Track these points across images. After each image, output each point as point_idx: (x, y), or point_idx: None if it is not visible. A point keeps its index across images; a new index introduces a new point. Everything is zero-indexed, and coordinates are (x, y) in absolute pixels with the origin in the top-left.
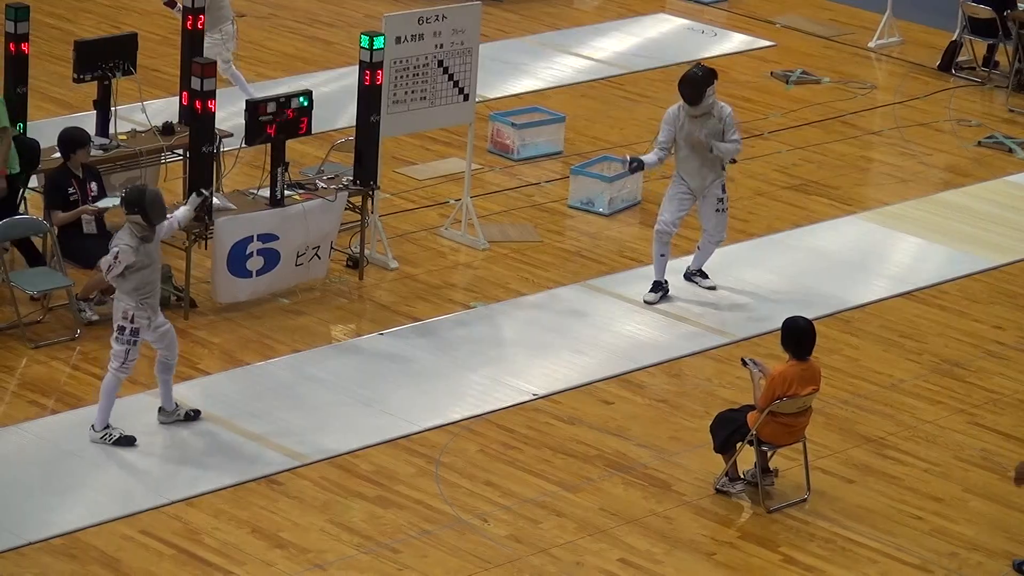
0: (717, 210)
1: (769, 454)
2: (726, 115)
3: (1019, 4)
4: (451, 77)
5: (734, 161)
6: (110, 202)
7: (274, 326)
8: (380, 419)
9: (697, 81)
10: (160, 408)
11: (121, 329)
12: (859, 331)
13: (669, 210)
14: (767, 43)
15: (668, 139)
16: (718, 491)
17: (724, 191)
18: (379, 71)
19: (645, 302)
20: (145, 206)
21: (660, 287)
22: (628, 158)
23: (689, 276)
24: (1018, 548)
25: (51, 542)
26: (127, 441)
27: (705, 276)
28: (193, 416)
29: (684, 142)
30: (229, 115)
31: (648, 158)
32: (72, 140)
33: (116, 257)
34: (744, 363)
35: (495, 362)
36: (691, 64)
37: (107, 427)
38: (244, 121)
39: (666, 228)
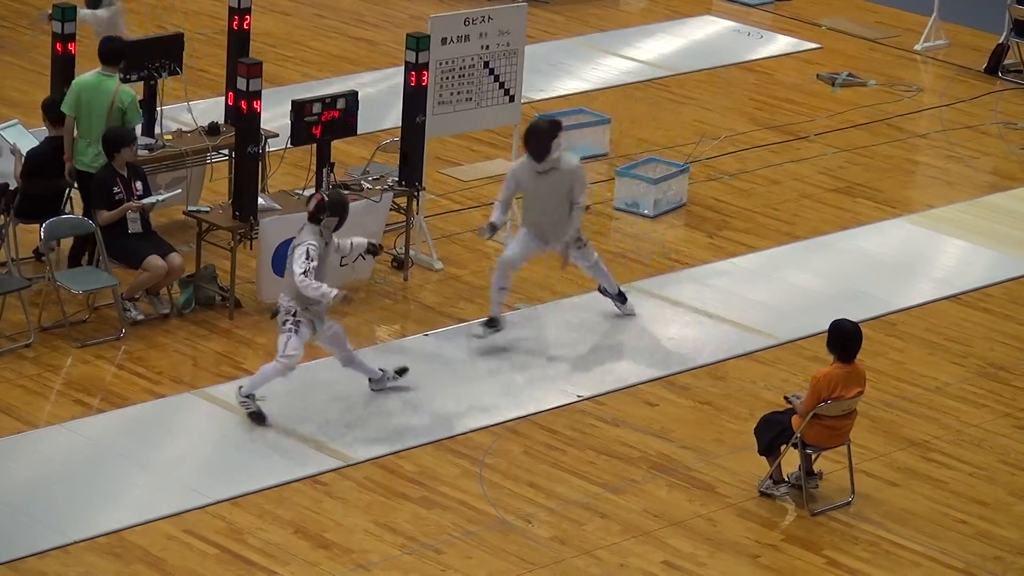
0: (579, 247)
1: (813, 457)
2: (574, 167)
3: None
4: (497, 78)
5: (587, 208)
6: (154, 199)
7: None
8: (424, 420)
9: (541, 133)
10: (369, 380)
11: (284, 321)
12: (904, 334)
13: (514, 247)
14: (813, 45)
15: (510, 195)
16: (762, 494)
17: (580, 234)
18: (425, 72)
19: (474, 336)
20: (345, 217)
21: (495, 323)
22: (485, 227)
23: (604, 293)
24: None
25: (96, 541)
26: (258, 418)
27: (623, 301)
28: (403, 373)
29: (528, 197)
30: (275, 115)
31: (495, 219)
32: (117, 139)
33: (308, 255)
34: (787, 400)
35: (539, 363)
36: (736, 66)
37: (250, 396)
38: (290, 121)
39: (511, 261)
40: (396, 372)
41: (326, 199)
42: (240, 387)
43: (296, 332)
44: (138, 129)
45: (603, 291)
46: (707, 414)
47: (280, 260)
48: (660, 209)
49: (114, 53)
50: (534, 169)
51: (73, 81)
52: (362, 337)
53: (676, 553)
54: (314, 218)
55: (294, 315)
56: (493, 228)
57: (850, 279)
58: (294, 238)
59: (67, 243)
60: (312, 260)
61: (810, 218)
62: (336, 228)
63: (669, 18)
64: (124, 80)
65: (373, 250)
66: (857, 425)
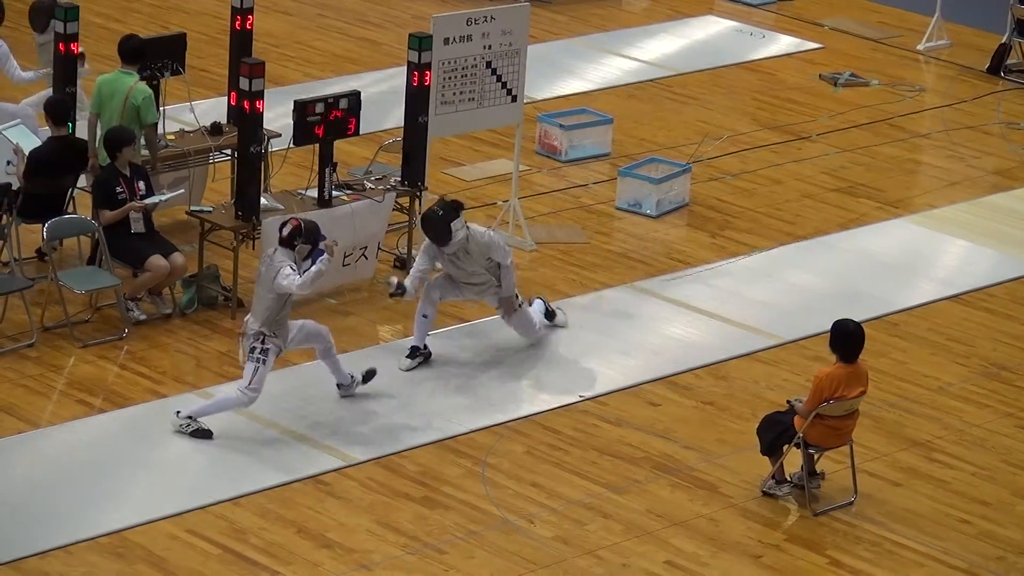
0: (515, 309)
1: (816, 457)
2: (486, 243)
3: None
4: (499, 78)
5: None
6: (157, 199)
7: None
8: (426, 420)
9: (435, 221)
10: (337, 385)
11: (252, 349)
12: (907, 334)
13: (437, 287)
14: (815, 45)
15: (424, 271)
16: (765, 493)
17: (518, 296)
18: (427, 72)
19: (400, 369)
20: (319, 238)
21: (418, 352)
22: (394, 281)
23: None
24: None
25: (98, 541)
26: (203, 434)
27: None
28: (369, 376)
29: (455, 278)
30: (277, 115)
31: (407, 284)
32: (118, 139)
33: (292, 268)
34: (790, 404)
35: (542, 363)
36: (738, 66)
37: (190, 418)
38: (292, 121)
39: (435, 293)
40: (364, 375)
41: (303, 225)
42: (178, 412)
43: (264, 363)
44: (159, 126)
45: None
46: (709, 414)
47: None
48: (662, 209)
49: (133, 51)
50: (443, 251)
51: (97, 79)
52: (364, 337)
53: (678, 553)
54: (287, 243)
55: (262, 342)
56: (402, 291)
57: (852, 279)
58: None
59: (70, 243)
60: (295, 271)
61: (812, 218)
62: (307, 257)
63: (671, 18)
64: None
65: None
66: (859, 425)
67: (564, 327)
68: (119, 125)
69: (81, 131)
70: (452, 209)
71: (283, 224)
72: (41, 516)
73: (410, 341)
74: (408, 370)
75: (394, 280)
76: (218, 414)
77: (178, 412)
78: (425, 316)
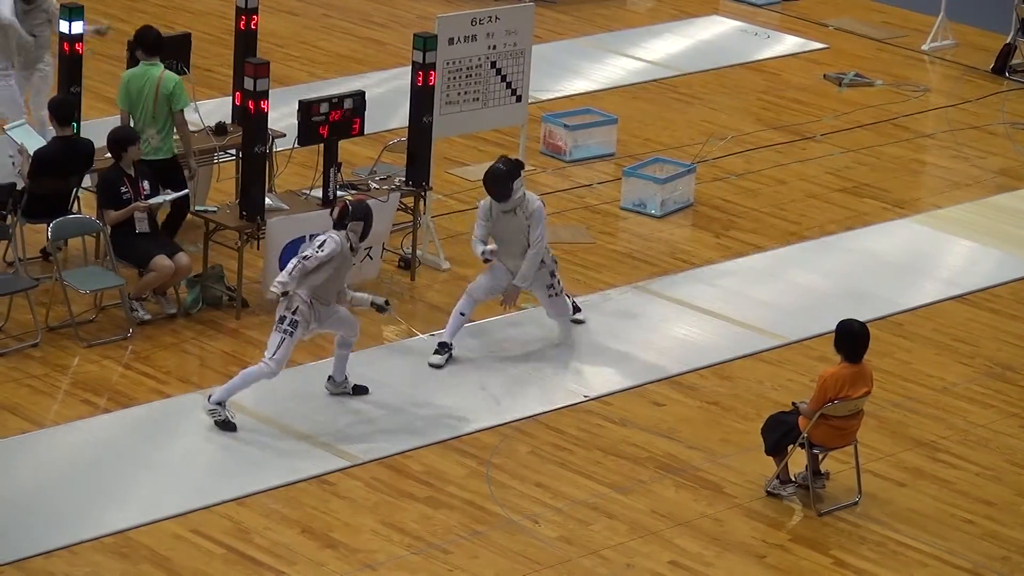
0: (549, 296)
1: (820, 457)
2: (533, 210)
3: None
4: (504, 78)
5: (556, 262)
6: (161, 199)
7: None
8: (431, 420)
9: (501, 176)
10: (330, 376)
11: (282, 319)
12: (911, 334)
13: (482, 280)
14: (820, 45)
15: (484, 234)
16: (769, 494)
17: (553, 276)
18: (432, 72)
19: (431, 365)
20: (370, 223)
21: (447, 348)
22: (487, 251)
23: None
24: None
25: (103, 540)
26: (228, 426)
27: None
28: (361, 391)
29: (497, 238)
30: (282, 115)
31: (480, 250)
32: (122, 139)
33: (322, 245)
34: (795, 406)
35: (546, 363)
36: (743, 66)
37: (220, 404)
38: (297, 121)
39: (477, 295)
40: (355, 387)
41: (349, 205)
42: (209, 395)
43: (291, 335)
44: (188, 111)
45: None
46: (714, 414)
47: (288, 260)
48: (667, 209)
49: (155, 42)
50: (500, 209)
51: (122, 76)
52: (369, 337)
53: (683, 553)
54: (339, 224)
55: (294, 312)
56: (491, 252)
57: (857, 279)
58: (306, 238)
59: (75, 243)
60: (322, 251)
61: (817, 218)
62: (363, 236)
63: (676, 18)
64: None
65: (379, 307)
66: (864, 425)
67: (584, 322)
68: (124, 126)
69: (86, 131)
70: (516, 167)
71: (332, 208)
72: (45, 516)
73: (442, 335)
74: (439, 366)
75: (485, 253)
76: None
77: (209, 396)
78: (463, 315)
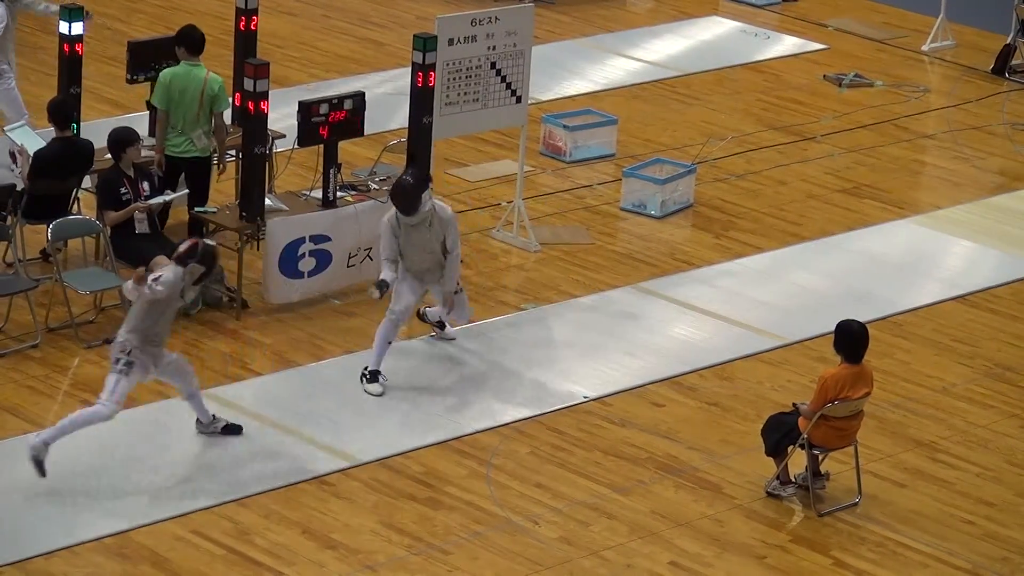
0: (456, 292)
1: (820, 458)
2: (448, 217)
3: None
4: (503, 79)
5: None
6: (161, 199)
7: (326, 327)
8: (431, 421)
9: (408, 189)
10: (197, 420)
11: (117, 360)
12: (911, 335)
13: (403, 300)
14: (820, 46)
15: (394, 252)
16: (769, 494)
17: (458, 282)
18: (431, 73)
19: (368, 394)
20: (211, 271)
21: (379, 375)
22: (376, 292)
23: (424, 319)
24: None
25: (103, 541)
26: (40, 467)
27: (443, 327)
28: (234, 431)
29: (404, 247)
30: (282, 116)
31: (386, 276)
32: (121, 140)
33: (158, 280)
34: (795, 407)
35: (546, 364)
36: (743, 67)
37: (46, 444)
38: (297, 122)
39: (403, 314)
40: (227, 426)
41: (200, 245)
42: (37, 434)
43: (127, 375)
44: (227, 114)
45: (423, 316)
46: (714, 415)
47: (287, 261)
48: (667, 210)
49: (200, 42)
50: (405, 223)
51: (160, 75)
52: (368, 338)
53: (683, 554)
54: (181, 260)
55: (128, 353)
56: (385, 285)
57: (857, 280)
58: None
59: (75, 244)
60: (160, 287)
61: (817, 219)
62: (198, 280)
63: (676, 19)
64: (131, 81)
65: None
66: (864, 426)
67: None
68: (123, 126)
69: (86, 132)
70: (423, 179)
71: (181, 241)
72: (46, 517)
73: (370, 357)
74: (380, 394)
75: (375, 291)
76: (82, 429)
77: (37, 434)
78: (390, 343)
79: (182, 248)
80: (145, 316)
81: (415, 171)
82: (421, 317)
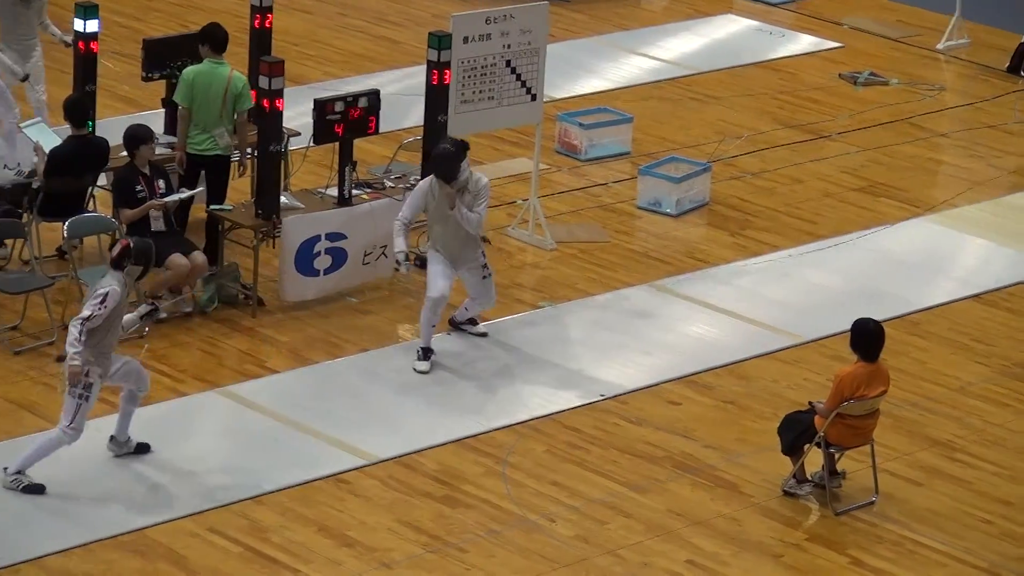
0: (483, 277)
1: (837, 456)
2: (483, 186)
3: None
4: (519, 77)
5: (486, 240)
6: (176, 198)
7: (341, 325)
8: (447, 419)
9: (449, 156)
10: (112, 437)
11: (74, 384)
12: (927, 333)
13: (437, 284)
14: (835, 44)
15: (412, 216)
16: (785, 493)
17: (484, 256)
18: (447, 71)
19: (418, 371)
20: (150, 266)
21: (430, 353)
22: (397, 263)
23: (457, 325)
24: None
25: (119, 539)
26: (35, 489)
27: (475, 323)
28: (143, 450)
29: (436, 217)
30: (297, 114)
31: (398, 246)
32: (134, 137)
33: (104, 300)
34: (811, 406)
35: (562, 362)
36: (758, 65)
37: (20, 473)
38: (312, 120)
39: (440, 300)
40: (140, 445)
41: (132, 245)
42: (5, 468)
43: (87, 399)
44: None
45: (455, 322)
46: (730, 413)
47: (303, 259)
48: (683, 208)
49: (224, 41)
50: (444, 190)
51: (183, 73)
52: (384, 335)
53: (699, 552)
54: (116, 264)
55: (86, 374)
56: (403, 256)
57: (872, 278)
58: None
59: (90, 241)
60: (105, 307)
61: (832, 217)
62: (139, 277)
63: (691, 17)
64: (146, 79)
65: (150, 308)
66: (880, 424)
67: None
68: (137, 123)
69: (101, 130)
70: (462, 147)
71: (112, 244)
72: (62, 513)
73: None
74: (426, 372)
75: (399, 267)
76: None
77: (5, 468)
78: (433, 325)
79: (114, 253)
80: (95, 331)
81: (453, 139)
82: (453, 324)
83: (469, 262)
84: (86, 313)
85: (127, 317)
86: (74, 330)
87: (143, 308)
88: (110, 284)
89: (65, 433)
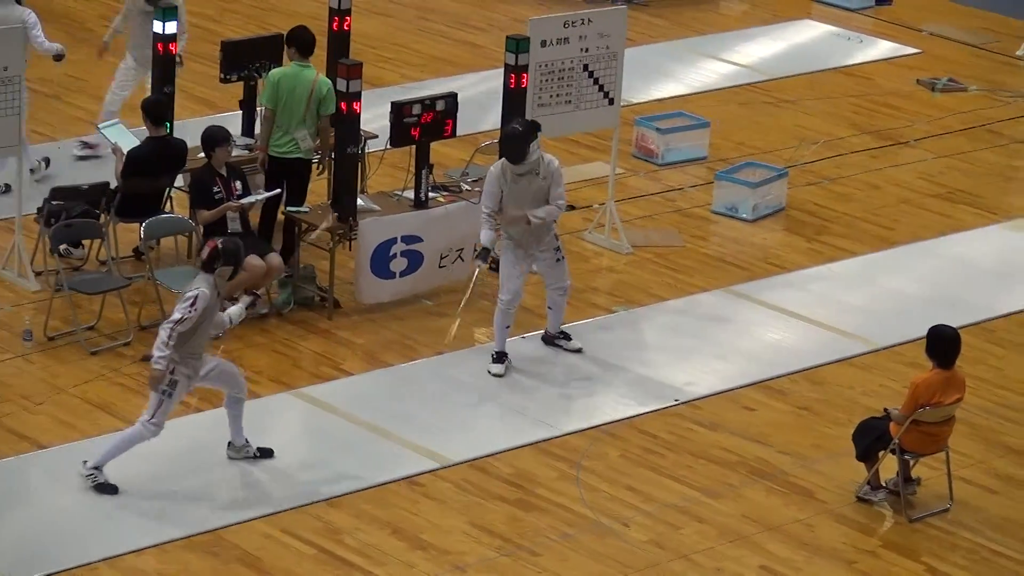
0: (557, 260)
1: (912, 463)
2: (554, 169)
3: None
4: (596, 81)
5: (572, 207)
6: (253, 199)
7: (417, 327)
8: (521, 422)
9: (517, 137)
10: (229, 443)
11: (159, 380)
12: (1004, 340)
13: (509, 286)
14: (914, 50)
15: (495, 204)
16: (860, 499)
17: (558, 239)
18: (524, 74)
19: (492, 374)
20: (240, 266)
21: (505, 357)
22: (479, 257)
23: (550, 340)
24: None
25: (193, 539)
26: (108, 489)
27: (568, 338)
28: (267, 455)
29: (508, 200)
30: (374, 116)
31: (485, 238)
32: (211, 138)
33: (194, 303)
34: (887, 412)
35: (637, 367)
36: (836, 71)
37: (98, 468)
38: (389, 123)
39: (513, 301)
40: (259, 450)
41: (220, 246)
42: (85, 462)
43: (170, 396)
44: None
45: (551, 339)
46: (805, 419)
47: (379, 261)
48: (759, 213)
49: (309, 44)
50: (514, 172)
51: (269, 74)
52: (460, 339)
53: (772, 558)
54: (207, 267)
55: (172, 372)
56: (486, 252)
57: (949, 285)
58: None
59: (167, 242)
60: (195, 310)
61: (909, 223)
62: (231, 278)
63: (768, 22)
64: (224, 80)
65: (251, 298)
66: (956, 431)
67: (579, 351)
68: (215, 124)
69: (178, 131)
70: (532, 128)
71: (202, 247)
72: (137, 513)
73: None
74: (502, 375)
75: (479, 263)
76: (124, 451)
77: (85, 462)
78: (507, 327)
79: (204, 255)
80: (183, 333)
81: (523, 120)
82: (546, 340)
83: (543, 244)
84: (177, 316)
85: (232, 309)
86: (163, 333)
87: (246, 299)
88: (199, 287)
89: (146, 427)
